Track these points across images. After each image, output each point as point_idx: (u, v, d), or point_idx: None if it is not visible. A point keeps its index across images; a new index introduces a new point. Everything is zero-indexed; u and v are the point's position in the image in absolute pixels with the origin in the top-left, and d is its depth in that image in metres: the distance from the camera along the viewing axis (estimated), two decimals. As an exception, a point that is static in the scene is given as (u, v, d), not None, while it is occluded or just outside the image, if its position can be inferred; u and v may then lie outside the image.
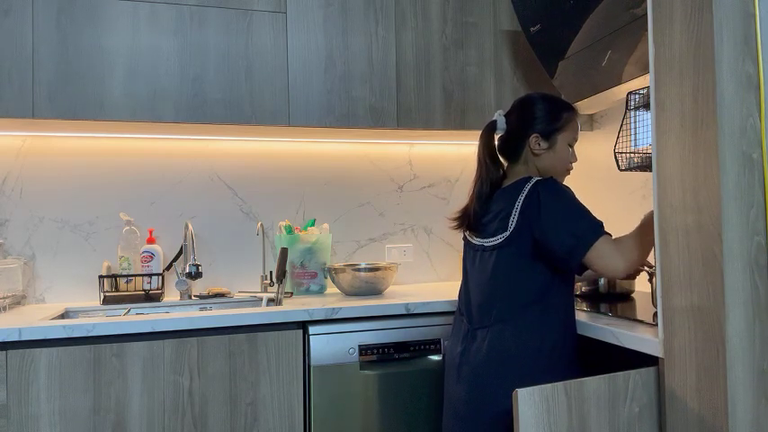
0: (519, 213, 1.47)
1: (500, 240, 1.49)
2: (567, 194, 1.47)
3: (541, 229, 1.43)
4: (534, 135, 1.57)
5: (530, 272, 1.46)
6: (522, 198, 1.47)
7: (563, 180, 1.61)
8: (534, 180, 1.49)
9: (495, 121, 1.63)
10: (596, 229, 1.41)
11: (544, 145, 1.57)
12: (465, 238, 1.67)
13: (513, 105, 1.65)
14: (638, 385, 1.26)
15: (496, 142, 1.64)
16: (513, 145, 1.61)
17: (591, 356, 1.63)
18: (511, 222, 1.48)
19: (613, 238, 1.43)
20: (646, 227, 1.40)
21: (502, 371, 1.44)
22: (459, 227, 1.63)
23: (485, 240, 1.54)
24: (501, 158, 1.64)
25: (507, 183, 1.58)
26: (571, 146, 1.61)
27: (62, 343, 1.65)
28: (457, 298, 1.72)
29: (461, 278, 1.67)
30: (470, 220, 1.59)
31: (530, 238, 1.45)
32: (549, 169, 1.59)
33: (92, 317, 2.07)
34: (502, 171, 1.63)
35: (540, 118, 1.57)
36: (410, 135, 2.42)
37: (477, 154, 1.62)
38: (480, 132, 1.64)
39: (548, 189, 1.46)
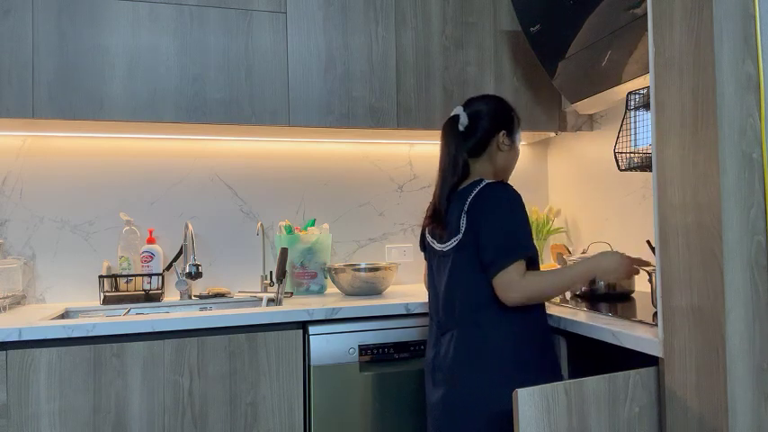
0: (467, 215, 1.49)
1: (455, 244, 1.52)
2: (510, 205, 1.46)
3: (477, 233, 1.47)
4: (503, 132, 1.62)
5: (483, 273, 1.47)
6: (470, 199, 1.50)
7: (509, 179, 1.68)
8: (485, 183, 1.51)
9: (459, 115, 1.63)
10: (519, 250, 1.43)
11: (508, 143, 1.63)
12: (427, 245, 1.68)
13: (474, 102, 1.66)
14: (638, 385, 1.26)
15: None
16: (482, 140, 1.61)
17: (591, 356, 1.63)
18: (461, 225, 1.50)
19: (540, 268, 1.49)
20: (568, 270, 1.46)
21: (469, 372, 1.46)
22: (431, 225, 1.63)
23: (443, 246, 1.57)
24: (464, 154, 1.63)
25: (466, 182, 1.58)
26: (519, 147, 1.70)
27: (62, 343, 1.65)
28: None
29: (428, 284, 1.69)
30: (438, 217, 1.60)
31: (477, 239, 1.48)
32: (506, 167, 1.66)
33: (92, 317, 2.07)
34: (467, 167, 1.61)
35: (508, 117, 1.64)
36: (410, 135, 2.42)
37: (440, 148, 1.64)
38: (443, 126, 1.65)
39: (493, 194, 1.48)
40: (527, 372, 1.43)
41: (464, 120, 1.61)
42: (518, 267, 1.42)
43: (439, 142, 2.61)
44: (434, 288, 1.62)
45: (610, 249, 2.15)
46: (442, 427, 1.50)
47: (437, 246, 1.60)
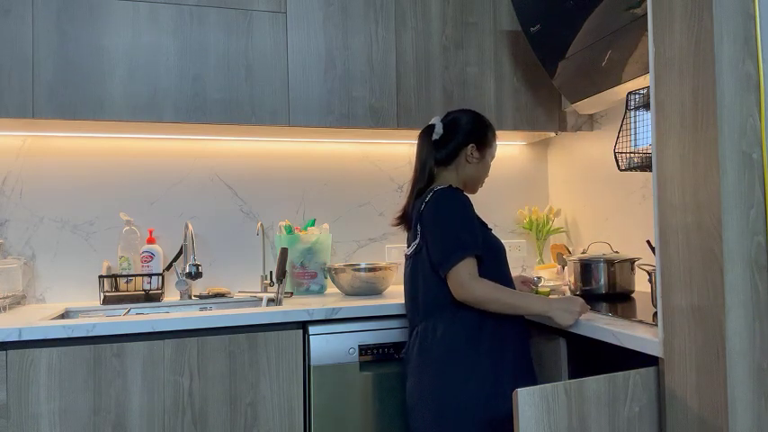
0: (420, 221, 1.60)
1: (414, 247, 1.64)
2: (455, 208, 1.55)
3: (425, 236, 1.58)
4: (472, 145, 1.70)
5: (438, 274, 1.55)
6: (423, 206, 1.60)
7: (477, 190, 1.79)
8: (436, 189, 1.59)
9: (434, 125, 1.74)
10: (462, 250, 1.48)
11: (477, 156, 1.72)
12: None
13: (452, 114, 1.77)
14: (638, 385, 1.26)
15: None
16: (452, 151, 1.71)
17: (591, 357, 1.63)
18: (417, 230, 1.62)
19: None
20: (524, 295, 1.51)
21: (424, 365, 1.54)
22: (398, 224, 1.78)
23: (408, 249, 1.70)
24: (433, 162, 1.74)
25: (430, 188, 1.67)
26: (490, 161, 1.79)
27: (62, 343, 1.65)
28: None
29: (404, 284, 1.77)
30: (404, 221, 1.74)
31: (427, 242, 1.58)
32: (473, 179, 1.75)
33: (92, 317, 2.06)
34: (432, 175, 1.72)
35: (479, 131, 1.73)
36: (410, 135, 2.42)
37: (416, 155, 1.75)
38: (419, 134, 1.76)
39: (440, 199, 1.56)
40: (475, 370, 1.48)
41: (439, 129, 1.73)
42: (465, 266, 1.48)
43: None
44: (405, 288, 1.72)
45: (608, 249, 2.15)
46: (408, 419, 1.60)
47: (406, 249, 1.72)
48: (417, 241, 1.61)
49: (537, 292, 1.96)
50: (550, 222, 2.60)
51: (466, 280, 1.47)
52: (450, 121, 1.75)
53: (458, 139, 1.71)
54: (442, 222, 1.54)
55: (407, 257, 1.70)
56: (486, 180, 1.81)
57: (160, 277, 2.23)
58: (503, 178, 2.71)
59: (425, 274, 1.59)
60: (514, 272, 2.70)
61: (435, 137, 1.72)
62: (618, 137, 1.73)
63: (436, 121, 1.74)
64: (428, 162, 1.71)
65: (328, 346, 1.84)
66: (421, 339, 1.58)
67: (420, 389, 1.54)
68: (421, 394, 1.53)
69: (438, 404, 1.49)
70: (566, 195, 2.65)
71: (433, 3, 2.30)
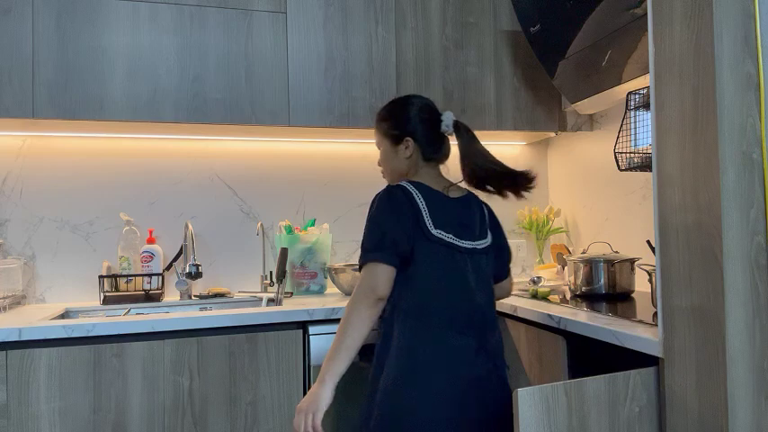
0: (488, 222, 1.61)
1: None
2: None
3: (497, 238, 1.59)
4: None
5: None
6: (485, 209, 1.62)
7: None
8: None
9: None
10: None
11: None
12: None
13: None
14: (638, 385, 1.26)
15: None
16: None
17: (591, 357, 1.63)
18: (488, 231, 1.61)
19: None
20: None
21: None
22: None
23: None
24: None
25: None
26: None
27: (62, 343, 1.65)
28: None
29: None
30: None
31: None
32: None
33: (92, 317, 2.07)
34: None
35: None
36: (410, 135, 2.42)
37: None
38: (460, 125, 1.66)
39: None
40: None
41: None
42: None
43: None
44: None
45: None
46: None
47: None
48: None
49: (537, 292, 1.96)
50: (550, 222, 2.60)
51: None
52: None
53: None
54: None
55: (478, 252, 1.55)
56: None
57: (160, 277, 2.23)
58: (503, 178, 2.71)
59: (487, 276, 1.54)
60: (515, 272, 2.70)
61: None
62: (618, 137, 1.73)
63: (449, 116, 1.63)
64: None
65: (328, 345, 1.84)
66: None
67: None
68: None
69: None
70: (566, 195, 2.65)
71: (433, 3, 2.30)
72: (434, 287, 1.43)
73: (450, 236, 1.47)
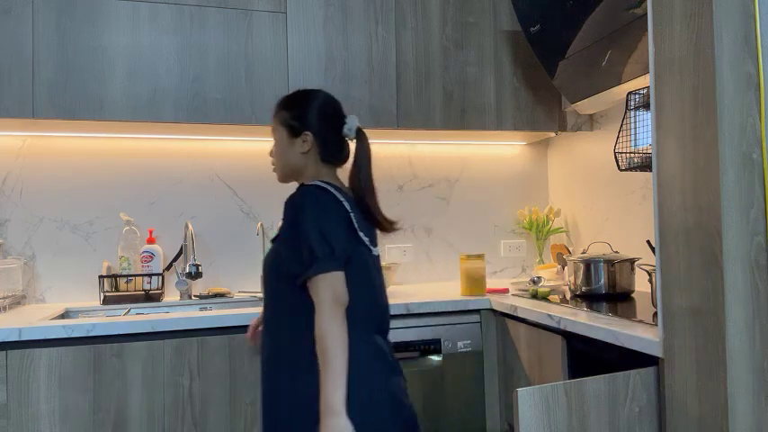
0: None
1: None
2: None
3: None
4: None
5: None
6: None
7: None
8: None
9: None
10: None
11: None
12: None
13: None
14: (638, 385, 1.26)
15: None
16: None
17: (591, 357, 1.63)
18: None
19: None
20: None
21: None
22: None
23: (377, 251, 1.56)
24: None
25: None
26: None
27: (62, 343, 1.65)
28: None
29: None
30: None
31: None
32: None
33: (92, 317, 2.07)
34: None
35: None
36: (410, 135, 2.42)
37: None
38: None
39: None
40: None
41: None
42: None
43: (437, 142, 2.58)
44: (382, 290, 1.59)
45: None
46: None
47: (374, 249, 1.54)
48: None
49: (537, 292, 1.96)
50: (550, 222, 2.60)
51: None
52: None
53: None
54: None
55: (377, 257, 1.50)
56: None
57: (160, 277, 2.22)
58: (503, 178, 2.71)
59: None
60: (515, 272, 2.71)
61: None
62: (618, 137, 1.73)
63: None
64: None
65: (328, 346, 1.83)
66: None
67: None
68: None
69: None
70: (566, 195, 2.65)
71: (433, 3, 2.30)
72: (369, 292, 1.40)
73: (368, 240, 1.43)
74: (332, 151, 1.49)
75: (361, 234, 1.40)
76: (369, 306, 1.40)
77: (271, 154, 1.53)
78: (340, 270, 1.31)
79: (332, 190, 1.38)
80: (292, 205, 1.36)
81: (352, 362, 1.29)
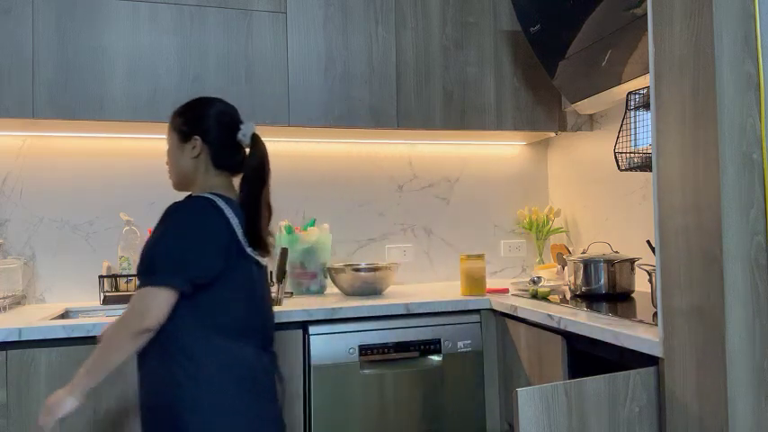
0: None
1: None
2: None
3: None
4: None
5: None
6: None
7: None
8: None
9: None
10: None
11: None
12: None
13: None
14: (638, 385, 1.26)
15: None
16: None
17: (590, 357, 1.63)
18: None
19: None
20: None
21: None
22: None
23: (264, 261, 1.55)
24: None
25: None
26: None
27: (62, 343, 1.65)
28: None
29: None
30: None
31: None
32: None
33: (92, 317, 2.06)
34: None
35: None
36: (410, 135, 2.42)
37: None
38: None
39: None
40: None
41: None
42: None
43: (437, 142, 2.58)
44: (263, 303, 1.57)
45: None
46: None
47: (262, 259, 1.53)
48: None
49: (537, 292, 1.96)
50: (550, 222, 2.60)
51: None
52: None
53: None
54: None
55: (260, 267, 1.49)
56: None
57: (160, 277, 2.22)
58: (503, 178, 2.71)
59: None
60: (515, 272, 2.71)
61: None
62: (618, 137, 1.73)
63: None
64: None
65: (328, 346, 1.84)
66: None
67: None
68: None
69: None
70: (566, 195, 2.65)
71: (433, 3, 2.30)
72: (248, 305, 1.40)
73: (256, 252, 1.43)
74: (223, 156, 1.47)
75: (248, 249, 1.40)
76: (247, 318, 1.40)
77: (167, 162, 1.54)
78: (173, 290, 1.29)
79: (220, 203, 1.37)
80: (167, 212, 1.38)
81: (207, 371, 1.31)
